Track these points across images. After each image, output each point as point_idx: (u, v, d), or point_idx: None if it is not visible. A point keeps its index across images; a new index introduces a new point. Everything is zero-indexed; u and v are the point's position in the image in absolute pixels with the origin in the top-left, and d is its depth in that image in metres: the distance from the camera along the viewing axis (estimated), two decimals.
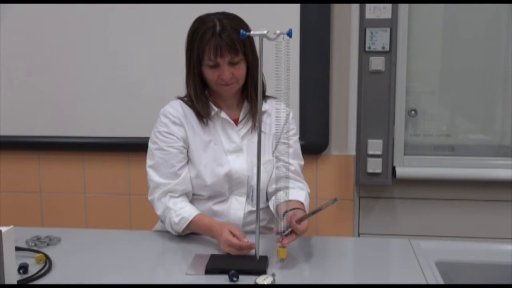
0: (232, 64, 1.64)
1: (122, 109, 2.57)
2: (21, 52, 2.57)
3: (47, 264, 1.48)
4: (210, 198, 1.74)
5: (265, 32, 1.42)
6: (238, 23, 1.64)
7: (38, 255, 1.52)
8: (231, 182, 1.73)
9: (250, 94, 1.74)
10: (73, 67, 2.56)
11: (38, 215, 2.72)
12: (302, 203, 1.67)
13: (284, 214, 1.50)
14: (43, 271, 1.44)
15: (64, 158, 2.67)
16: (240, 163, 1.73)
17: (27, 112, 2.61)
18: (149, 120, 1.84)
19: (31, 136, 2.63)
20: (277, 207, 1.63)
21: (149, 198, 1.74)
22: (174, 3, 2.44)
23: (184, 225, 1.65)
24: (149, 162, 1.74)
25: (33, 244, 1.63)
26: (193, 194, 1.75)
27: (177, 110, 1.74)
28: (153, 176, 1.72)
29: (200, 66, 1.67)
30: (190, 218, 1.65)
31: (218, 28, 1.61)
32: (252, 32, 1.46)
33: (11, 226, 1.27)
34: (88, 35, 2.54)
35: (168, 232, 1.72)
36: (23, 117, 2.62)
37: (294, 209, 1.57)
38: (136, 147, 2.44)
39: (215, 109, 1.73)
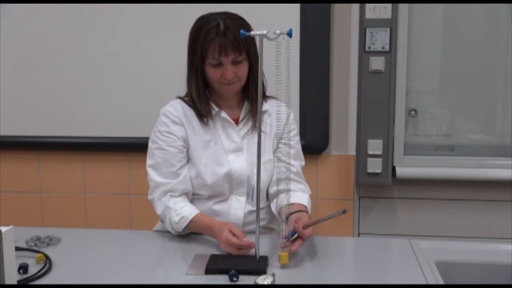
0: (235, 63, 1.64)
1: (122, 109, 2.57)
2: (21, 52, 2.57)
3: (47, 264, 1.48)
4: (210, 197, 1.74)
5: (265, 32, 1.42)
6: (240, 23, 1.64)
7: (38, 255, 1.51)
8: (231, 182, 1.73)
9: (251, 94, 1.74)
10: (73, 67, 2.56)
11: (38, 215, 2.72)
12: (305, 206, 1.67)
13: (287, 217, 1.49)
14: (43, 271, 1.44)
15: (64, 158, 2.67)
16: (240, 163, 1.73)
17: (27, 112, 2.61)
18: (149, 120, 1.84)
19: (31, 136, 2.63)
20: (280, 210, 1.63)
21: (149, 197, 1.74)
22: (175, 3, 2.44)
23: (184, 225, 1.65)
24: (149, 161, 1.74)
25: (33, 244, 1.63)
26: (193, 194, 1.75)
27: (177, 109, 1.74)
28: (153, 175, 1.72)
29: (203, 65, 1.67)
30: (190, 217, 1.65)
31: (222, 27, 1.61)
32: (252, 32, 1.46)
33: (11, 226, 1.27)
34: (88, 35, 2.54)
35: (168, 232, 1.72)
36: (23, 117, 2.62)
37: (297, 211, 1.57)
38: (136, 147, 2.44)
39: (216, 108, 1.73)
